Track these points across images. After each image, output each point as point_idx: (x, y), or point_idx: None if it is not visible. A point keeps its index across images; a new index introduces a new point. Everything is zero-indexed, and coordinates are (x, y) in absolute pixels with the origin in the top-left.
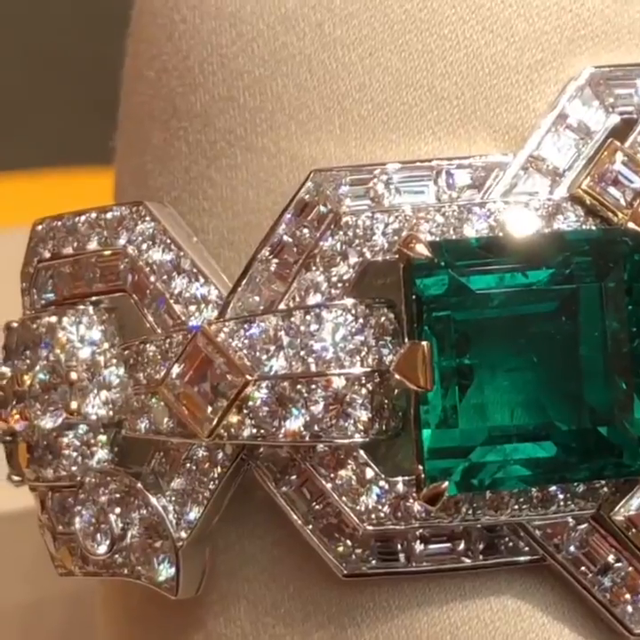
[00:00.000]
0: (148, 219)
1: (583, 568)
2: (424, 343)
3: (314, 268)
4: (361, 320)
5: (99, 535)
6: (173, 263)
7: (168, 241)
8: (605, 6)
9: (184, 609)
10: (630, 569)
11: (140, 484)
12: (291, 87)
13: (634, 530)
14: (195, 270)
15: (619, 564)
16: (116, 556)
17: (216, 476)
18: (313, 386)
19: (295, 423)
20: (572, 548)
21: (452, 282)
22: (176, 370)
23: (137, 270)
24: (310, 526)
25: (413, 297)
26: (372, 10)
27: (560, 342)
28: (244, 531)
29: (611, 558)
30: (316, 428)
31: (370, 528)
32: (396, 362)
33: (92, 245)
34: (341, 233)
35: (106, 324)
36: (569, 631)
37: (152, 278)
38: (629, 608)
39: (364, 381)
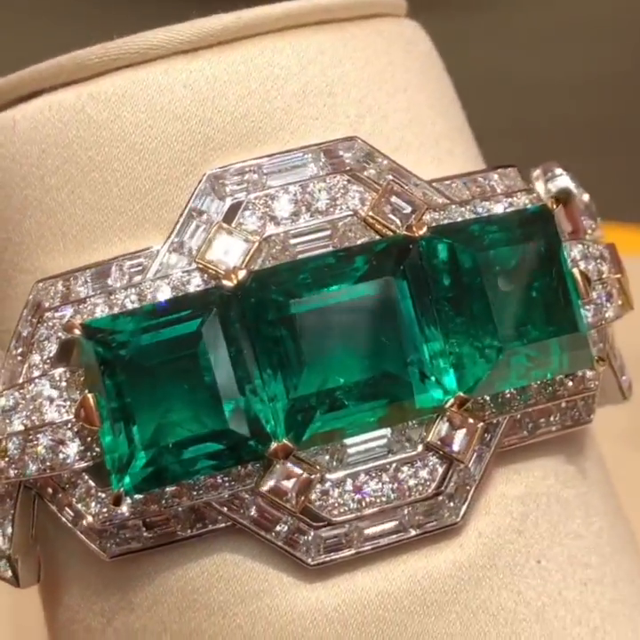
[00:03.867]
0: None
1: (263, 525)
2: (89, 395)
3: (34, 352)
4: (64, 383)
5: None
6: None
7: None
8: (233, 119)
9: (46, 589)
10: (291, 520)
11: None
12: (34, 221)
13: (276, 497)
14: None
15: (285, 517)
16: None
17: (11, 503)
18: (39, 434)
19: (34, 466)
20: (252, 513)
21: (96, 350)
22: None
23: None
24: (77, 527)
25: (82, 363)
26: (70, 162)
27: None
28: (60, 532)
29: (283, 521)
30: (48, 463)
31: (105, 524)
32: (76, 410)
33: None
34: (44, 326)
35: None
36: (271, 569)
37: None
38: (303, 548)
39: (72, 426)
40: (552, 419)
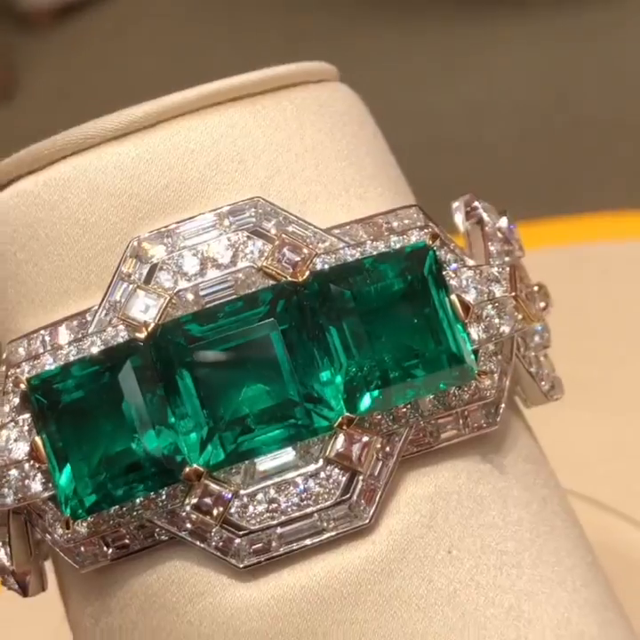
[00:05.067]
0: None
1: (198, 536)
2: (37, 438)
3: (5, 403)
4: (27, 427)
5: None
6: None
7: None
8: (156, 191)
9: (62, 596)
10: (220, 530)
11: None
12: (13, 290)
13: (199, 513)
14: None
15: (214, 528)
16: None
17: (4, 529)
18: (10, 471)
19: (9, 498)
20: (188, 526)
21: (37, 400)
22: None
23: None
24: (56, 546)
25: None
26: (33, 239)
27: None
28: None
29: (213, 532)
30: (19, 495)
31: (69, 543)
32: (29, 452)
33: None
34: (10, 380)
35: None
36: (212, 572)
37: None
38: (233, 553)
39: (34, 463)
40: (453, 426)
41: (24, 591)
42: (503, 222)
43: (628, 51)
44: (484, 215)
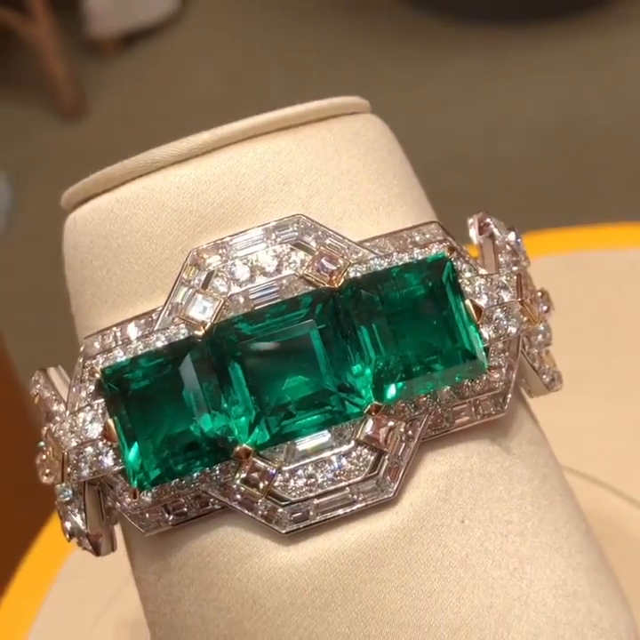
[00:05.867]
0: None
1: (246, 505)
2: (109, 420)
3: (82, 389)
4: (101, 410)
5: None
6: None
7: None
8: (212, 208)
9: (128, 556)
10: (265, 501)
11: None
12: (89, 293)
13: (248, 486)
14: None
15: (261, 499)
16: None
17: (81, 498)
18: (86, 448)
19: (85, 471)
20: (238, 497)
21: (110, 388)
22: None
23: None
24: (125, 513)
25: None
26: (107, 248)
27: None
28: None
29: (259, 502)
30: (94, 468)
31: (136, 510)
32: (102, 432)
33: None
34: (87, 370)
35: None
36: (258, 537)
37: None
38: (277, 521)
39: (106, 441)
40: (467, 413)
41: (96, 551)
42: (511, 236)
43: (630, 77)
44: (495, 230)
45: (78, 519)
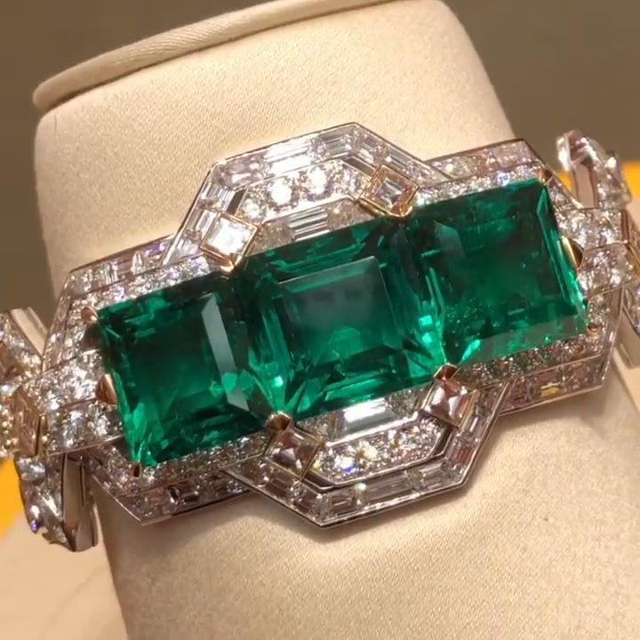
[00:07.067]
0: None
1: (276, 490)
2: (107, 376)
3: (67, 337)
4: (92, 364)
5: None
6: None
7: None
8: (241, 111)
9: (108, 553)
10: (301, 485)
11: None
12: (73, 214)
13: (280, 464)
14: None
15: (295, 482)
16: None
17: (58, 475)
18: (71, 412)
19: (69, 440)
20: (265, 479)
21: (109, 334)
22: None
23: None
24: (115, 496)
25: (100, 345)
26: (99, 158)
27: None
28: (110, 500)
29: (293, 486)
30: (81, 438)
31: (133, 492)
32: (96, 390)
33: None
34: (74, 312)
35: None
36: (288, 530)
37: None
38: (314, 510)
39: (98, 403)
40: (555, 383)
41: (72, 545)
42: (611, 163)
43: None
44: (593, 154)
45: (51, 503)
